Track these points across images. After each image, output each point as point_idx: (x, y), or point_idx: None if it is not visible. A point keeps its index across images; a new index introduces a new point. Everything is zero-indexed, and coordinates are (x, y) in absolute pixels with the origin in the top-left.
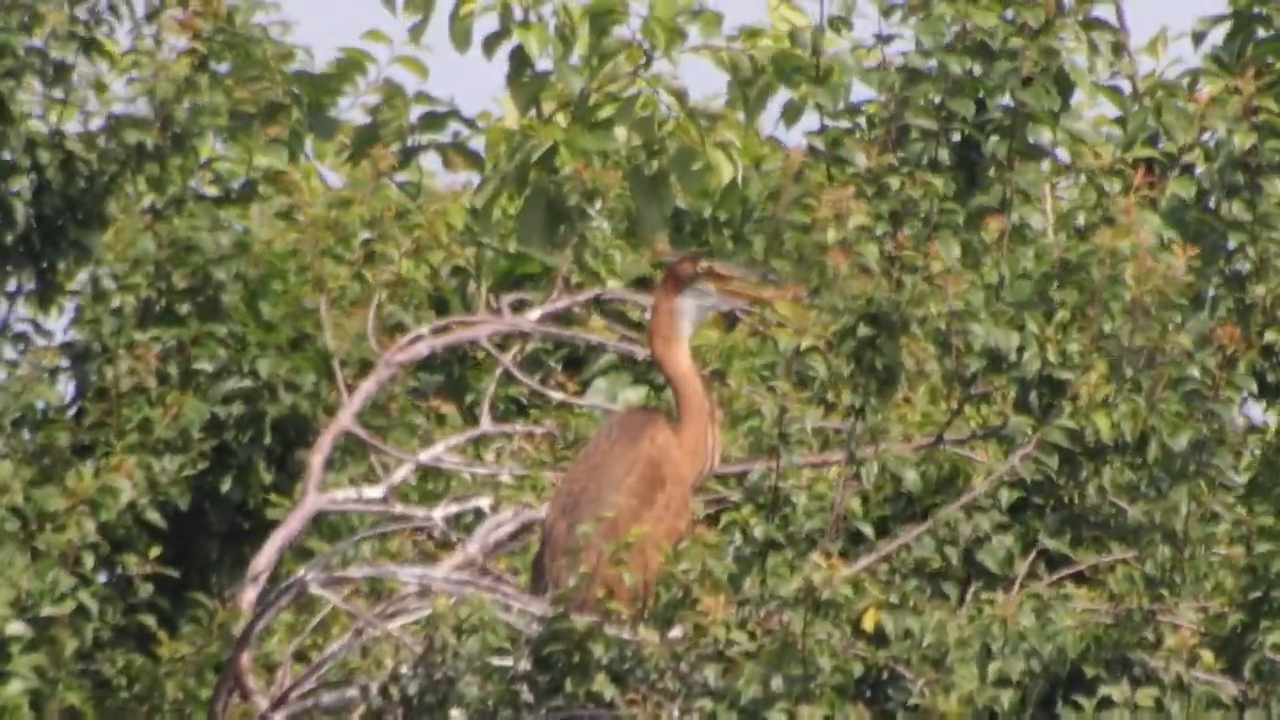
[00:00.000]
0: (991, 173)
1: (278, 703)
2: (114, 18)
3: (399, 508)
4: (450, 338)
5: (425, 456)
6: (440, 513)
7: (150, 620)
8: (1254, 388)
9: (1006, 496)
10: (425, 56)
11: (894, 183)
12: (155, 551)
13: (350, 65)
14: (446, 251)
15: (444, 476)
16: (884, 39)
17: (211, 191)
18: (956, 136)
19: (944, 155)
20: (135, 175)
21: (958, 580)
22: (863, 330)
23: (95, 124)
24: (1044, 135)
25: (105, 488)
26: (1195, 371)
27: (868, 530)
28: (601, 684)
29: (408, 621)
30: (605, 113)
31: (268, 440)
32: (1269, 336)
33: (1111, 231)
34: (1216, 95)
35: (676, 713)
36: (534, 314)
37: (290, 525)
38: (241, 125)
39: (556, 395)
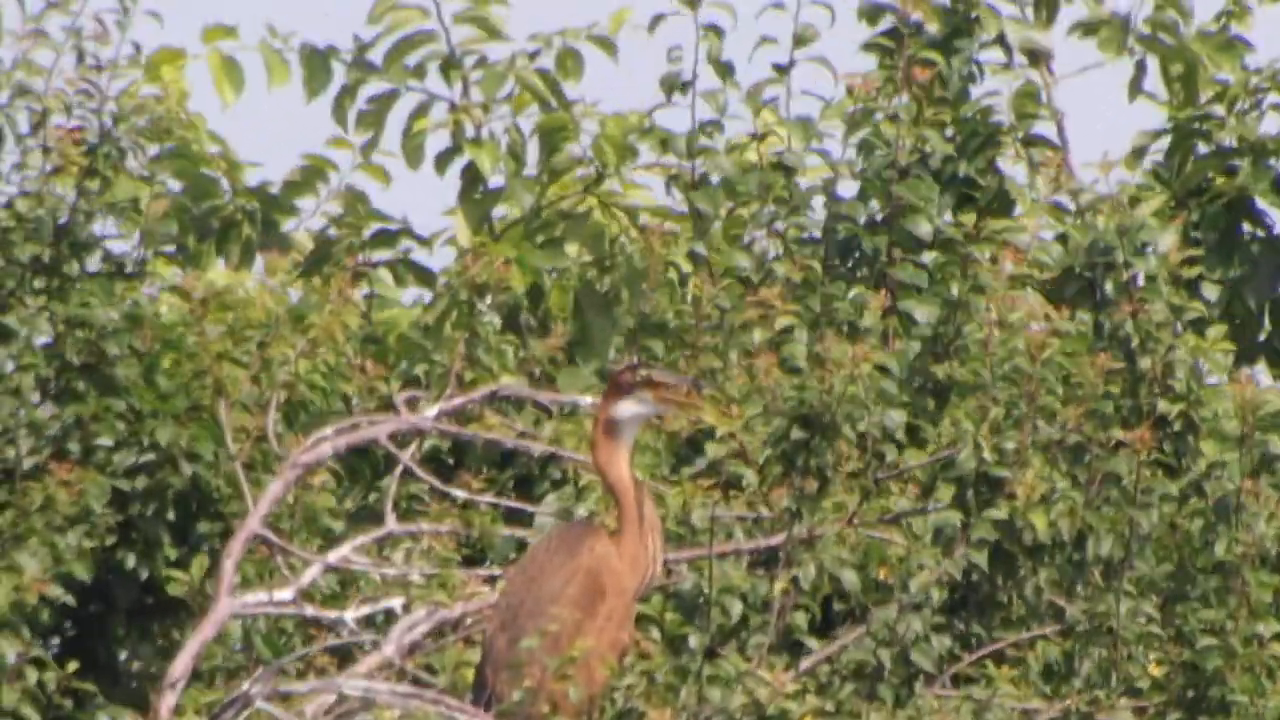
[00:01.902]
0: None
1: None
2: None
3: (310, 610)
4: (352, 437)
5: (333, 557)
6: (352, 614)
7: None
8: (1172, 490)
9: (939, 595)
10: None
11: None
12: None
13: (313, 172)
14: (340, 352)
15: (353, 577)
16: (758, 137)
17: (102, 269)
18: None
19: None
20: (32, 285)
21: (892, 683)
22: (796, 433)
23: None
24: (922, 227)
25: (9, 566)
26: (1122, 468)
27: (812, 643)
28: None
29: None
30: (556, 230)
31: (171, 515)
32: (1161, 406)
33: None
34: (1154, 212)
35: None
36: (431, 411)
37: (204, 630)
38: (200, 242)
39: (459, 494)
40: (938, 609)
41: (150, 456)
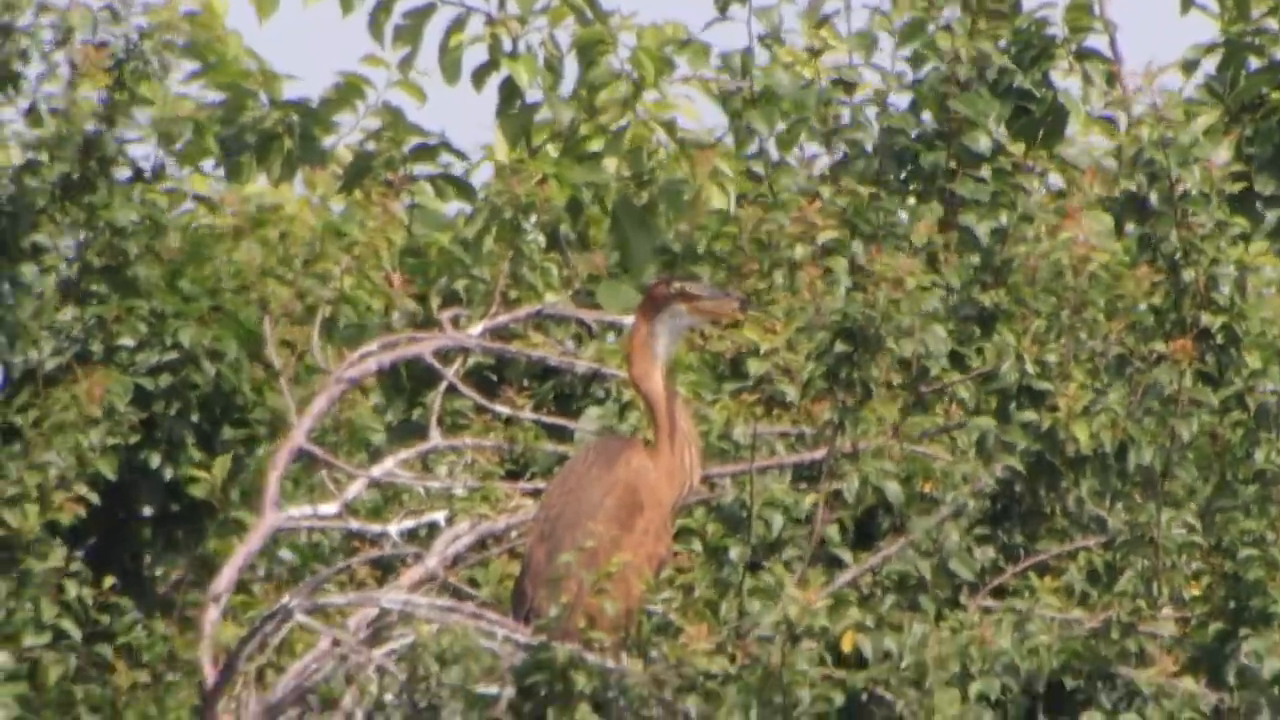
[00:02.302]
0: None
1: None
2: (23, 62)
3: (354, 524)
4: (397, 353)
5: (377, 471)
6: (396, 527)
7: (107, 650)
8: (1213, 400)
9: (977, 507)
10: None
11: (841, 200)
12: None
13: (350, 90)
14: (384, 269)
15: (397, 492)
16: (814, 52)
17: (124, 173)
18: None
19: (886, 167)
20: (65, 205)
21: (935, 595)
22: (839, 346)
23: (16, 161)
24: (981, 142)
25: (34, 465)
26: (1164, 379)
27: (846, 556)
28: (584, 714)
29: (392, 648)
30: (595, 145)
31: (194, 416)
32: (1205, 319)
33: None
34: (1208, 127)
35: None
36: (476, 329)
37: (250, 543)
38: (233, 157)
39: (503, 410)
40: (979, 520)
41: (173, 356)
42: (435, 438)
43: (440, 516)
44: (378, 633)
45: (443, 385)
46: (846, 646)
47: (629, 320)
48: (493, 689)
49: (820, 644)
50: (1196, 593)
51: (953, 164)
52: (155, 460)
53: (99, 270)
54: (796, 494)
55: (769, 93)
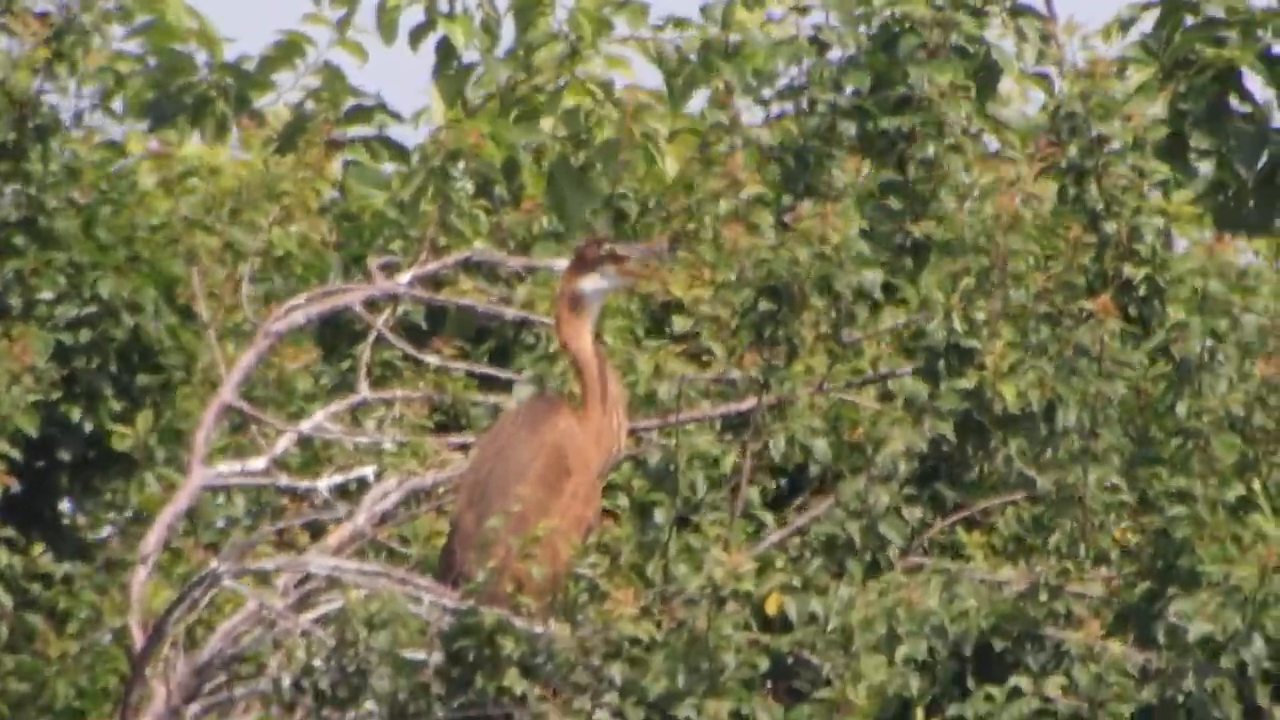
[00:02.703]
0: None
1: (190, 696)
2: None
3: (283, 479)
4: (325, 305)
5: (306, 426)
6: (325, 483)
7: (37, 619)
8: (1136, 359)
9: (908, 467)
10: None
11: (789, 159)
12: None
13: (290, 48)
14: (312, 220)
15: (326, 446)
16: (801, 9)
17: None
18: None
19: (849, 128)
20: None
21: (862, 558)
22: (763, 304)
23: None
24: (902, 93)
25: None
26: (1087, 338)
27: (768, 519)
28: (512, 679)
29: (320, 614)
30: (531, 105)
31: (113, 367)
32: (1127, 270)
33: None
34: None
35: (588, 707)
36: (404, 277)
37: (178, 502)
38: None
39: (432, 359)
40: (908, 480)
41: (92, 309)
42: (364, 390)
43: (369, 471)
44: (306, 597)
45: (372, 336)
46: (771, 609)
47: (559, 264)
48: (420, 654)
49: (746, 608)
50: (1120, 538)
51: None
52: (76, 414)
53: (16, 223)
54: (723, 446)
55: (744, 45)
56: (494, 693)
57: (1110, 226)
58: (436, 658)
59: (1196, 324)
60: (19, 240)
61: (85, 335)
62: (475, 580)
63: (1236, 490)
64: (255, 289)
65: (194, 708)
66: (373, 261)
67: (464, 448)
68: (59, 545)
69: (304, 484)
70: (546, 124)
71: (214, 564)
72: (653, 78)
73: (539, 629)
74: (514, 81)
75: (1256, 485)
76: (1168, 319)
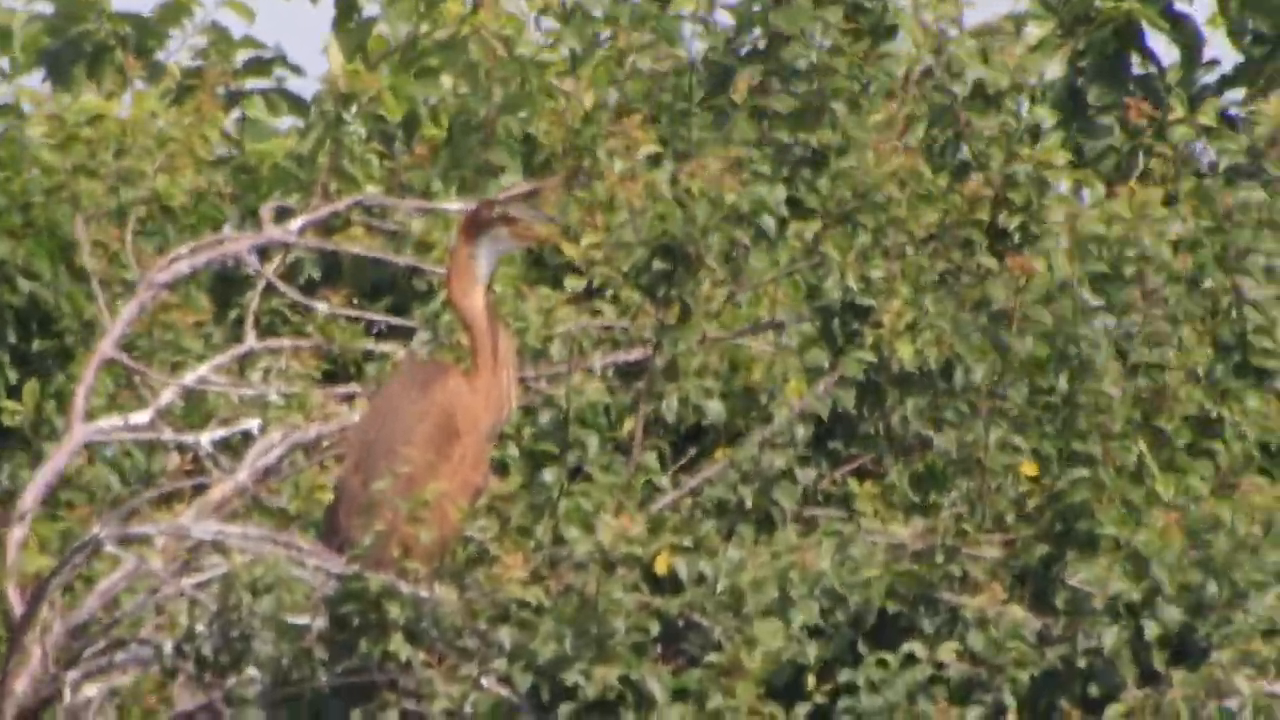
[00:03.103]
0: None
1: (72, 661)
2: None
3: (167, 433)
4: (211, 254)
5: (190, 378)
6: (208, 437)
7: None
8: (1048, 320)
9: (805, 432)
10: (253, 1)
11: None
12: None
13: (177, 8)
14: (203, 169)
15: (209, 398)
16: None
17: None
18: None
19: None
20: None
21: (753, 519)
22: (658, 264)
23: None
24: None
25: None
26: (999, 294)
27: (664, 482)
28: (398, 644)
29: (203, 579)
30: (433, 61)
31: (10, 335)
32: (1001, 219)
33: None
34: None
35: (475, 672)
36: (295, 224)
37: (56, 459)
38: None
39: (321, 306)
40: (803, 444)
41: None
42: (251, 340)
43: (254, 424)
44: (187, 559)
45: (260, 285)
46: (661, 569)
47: (453, 207)
48: (305, 619)
49: (636, 570)
50: (1032, 474)
51: (774, 80)
52: None
53: None
54: (613, 398)
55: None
56: (379, 658)
57: (978, 178)
58: (320, 623)
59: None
60: None
61: None
62: (361, 544)
63: (1133, 453)
64: (147, 242)
65: (73, 674)
66: (265, 209)
67: (350, 398)
68: None
69: (187, 437)
70: (447, 80)
71: (95, 529)
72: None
73: (425, 593)
74: (413, 35)
75: (1143, 446)
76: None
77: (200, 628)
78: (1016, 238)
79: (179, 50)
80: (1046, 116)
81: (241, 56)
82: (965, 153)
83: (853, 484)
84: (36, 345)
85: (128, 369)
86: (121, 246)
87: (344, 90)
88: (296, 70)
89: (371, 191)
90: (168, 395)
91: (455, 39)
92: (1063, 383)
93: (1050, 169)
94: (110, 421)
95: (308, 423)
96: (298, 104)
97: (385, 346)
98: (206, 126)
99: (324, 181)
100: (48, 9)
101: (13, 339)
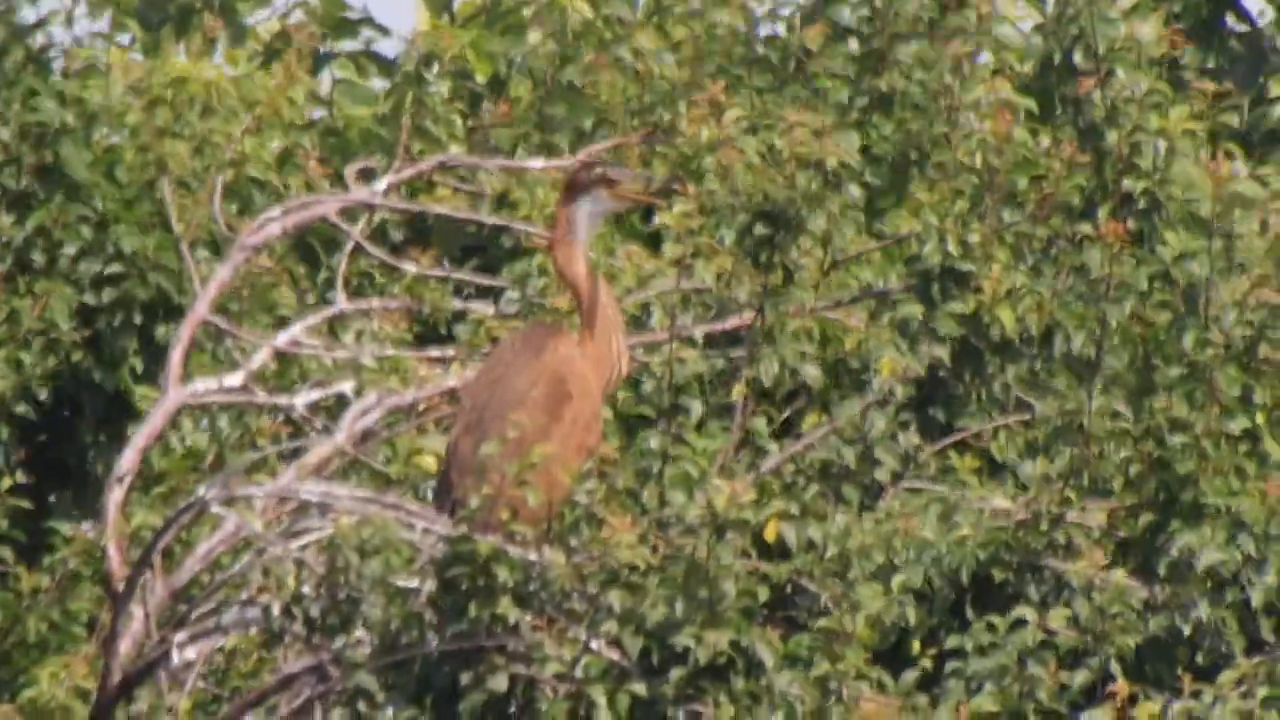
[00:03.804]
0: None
1: (179, 623)
2: None
3: (260, 395)
4: (300, 216)
5: (282, 340)
6: (302, 399)
7: (6, 552)
8: (1141, 283)
9: (903, 392)
10: None
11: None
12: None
13: None
14: (288, 129)
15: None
16: None
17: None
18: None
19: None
20: None
21: (860, 483)
22: (759, 229)
23: None
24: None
25: None
26: (1093, 262)
27: (772, 447)
28: (506, 607)
29: (310, 541)
30: (518, 18)
31: (137, 319)
32: (1125, 184)
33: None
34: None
35: (583, 635)
36: (380, 185)
37: (154, 421)
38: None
39: (410, 267)
40: (904, 405)
41: (117, 268)
42: (341, 301)
43: (347, 387)
44: (290, 520)
45: (348, 246)
46: (770, 536)
47: (537, 164)
48: (413, 582)
49: (746, 536)
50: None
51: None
52: (98, 375)
53: (32, 171)
54: (708, 364)
55: None
56: (488, 621)
57: (1113, 137)
58: (429, 586)
59: (1202, 252)
60: (38, 190)
61: (109, 295)
62: (469, 507)
63: (1241, 422)
64: (232, 204)
65: (180, 635)
66: (349, 170)
67: (442, 361)
68: (82, 498)
69: (282, 399)
70: (532, 37)
71: (201, 490)
72: None
73: (533, 556)
74: None
75: (1260, 419)
76: (1166, 239)
77: (307, 590)
78: (1142, 203)
79: (268, 15)
80: (1143, 80)
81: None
82: (1099, 109)
83: (954, 458)
84: (160, 331)
85: (221, 331)
86: (210, 210)
87: (425, 50)
88: (384, 31)
89: (455, 152)
90: (259, 357)
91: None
92: (1186, 342)
93: (1178, 138)
94: (205, 384)
95: (404, 387)
96: (385, 66)
97: (474, 306)
98: (296, 88)
99: (406, 142)
100: None
101: (139, 320)
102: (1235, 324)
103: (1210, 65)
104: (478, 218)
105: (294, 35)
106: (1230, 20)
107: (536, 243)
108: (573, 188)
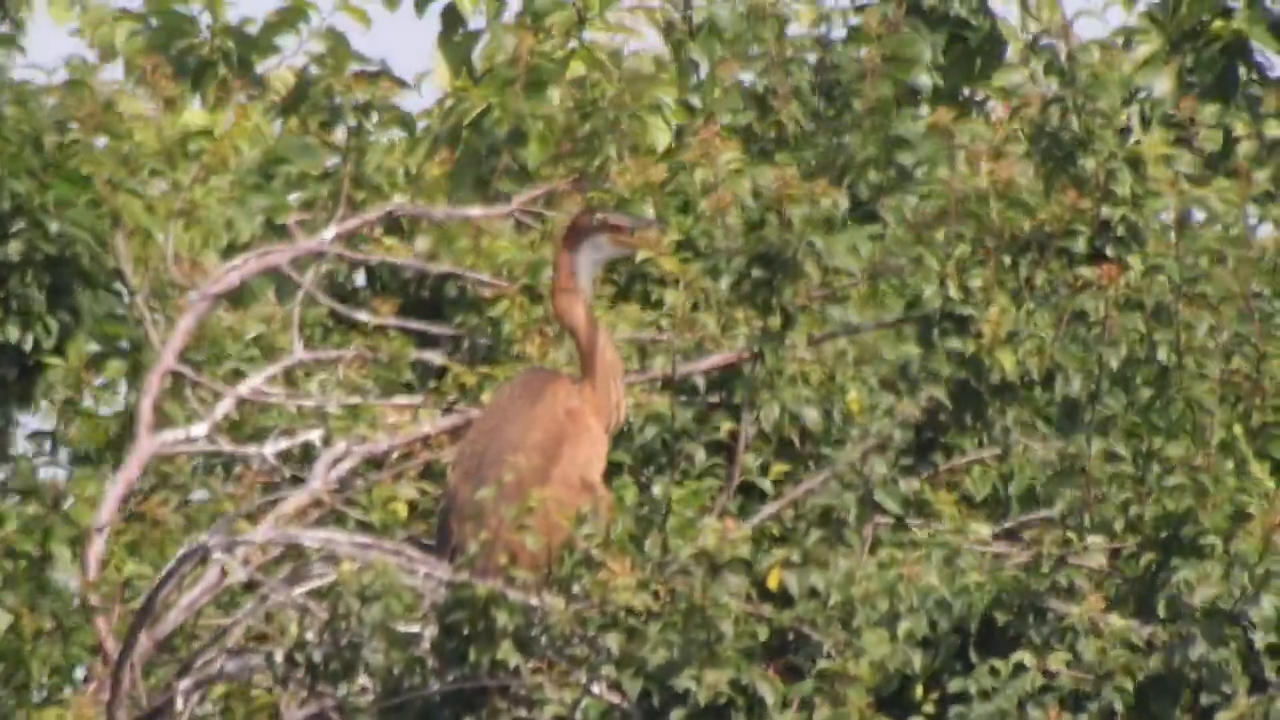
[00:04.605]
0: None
1: (182, 670)
2: None
3: (226, 445)
4: (257, 265)
5: (245, 389)
6: (270, 449)
7: (10, 597)
8: (1140, 326)
9: (901, 435)
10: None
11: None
12: None
13: (293, 12)
14: (235, 177)
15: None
16: None
17: None
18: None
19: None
20: None
21: (858, 529)
22: (757, 272)
23: None
24: (922, 79)
25: None
26: (1089, 306)
27: (766, 485)
28: (506, 651)
29: (311, 588)
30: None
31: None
32: (1104, 211)
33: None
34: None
35: (584, 679)
36: (328, 233)
37: (129, 471)
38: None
39: (364, 317)
40: (904, 450)
41: (20, 225)
42: (299, 351)
43: (316, 435)
44: (296, 570)
45: (299, 294)
46: (772, 584)
47: (475, 212)
48: (415, 627)
49: (747, 581)
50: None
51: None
52: (14, 334)
53: None
54: (697, 410)
55: (709, 24)
56: (489, 665)
57: (1089, 163)
58: (430, 631)
59: (1172, 265)
60: None
61: (17, 249)
62: (468, 552)
63: (1235, 455)
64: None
65: (185, 683)
66: (290, 219)
67: (411, 409)
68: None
69: (250, 449)
70: (553, 94)
71: (204, 537)
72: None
73: (534, 601)
74: (520, 49)
75: (1238, 430)
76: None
77: (310, 636)
78: (1119, 230)
79: (294, 54)
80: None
81: (347, 70)
82: (1077, 131)
83: (927, 491)
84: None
85: (187, 380)
86: (162, 261)
87: (452, 104)
88: (402, 84)
89: (399, 200)
90: (223, 406)
91: (560, 55)
92: (1160, 354)
93: (1151, 163)
94: (173, 434)
95: (373, 434)
96: (402, 118)
97: (429, 355)
98: (237, 134)
99: (347, 192)
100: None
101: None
102: (1207, 335)
103: (1223, 119)
104: (423, 265)
105: (313, 88)
106: (1243, 71)
107: (493, 293)
108: (574, 233)
